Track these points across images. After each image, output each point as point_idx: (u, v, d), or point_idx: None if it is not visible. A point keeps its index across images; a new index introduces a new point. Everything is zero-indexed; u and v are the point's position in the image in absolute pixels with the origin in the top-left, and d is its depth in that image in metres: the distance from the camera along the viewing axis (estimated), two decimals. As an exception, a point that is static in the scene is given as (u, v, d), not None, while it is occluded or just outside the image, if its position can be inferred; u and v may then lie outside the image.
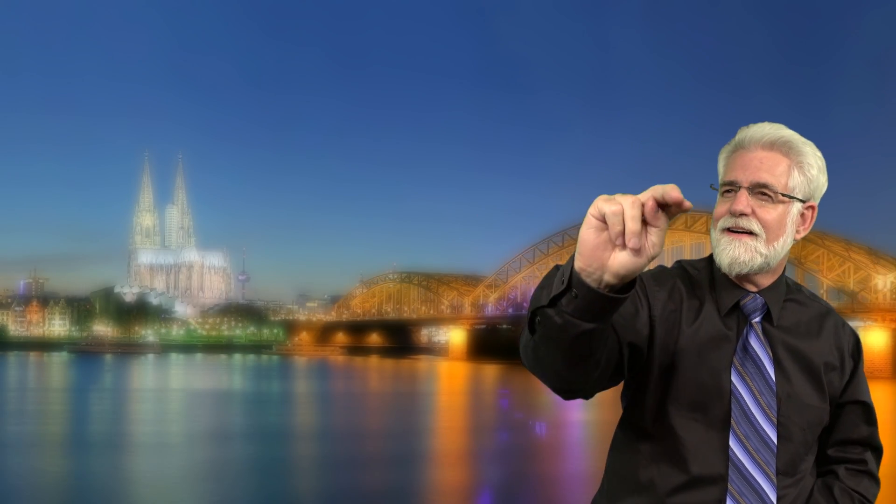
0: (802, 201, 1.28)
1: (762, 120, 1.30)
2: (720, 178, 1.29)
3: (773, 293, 1.30)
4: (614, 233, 0.90)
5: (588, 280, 0.94)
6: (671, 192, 0.92)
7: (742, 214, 1.23)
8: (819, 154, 1.30)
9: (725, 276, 1.29)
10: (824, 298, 1.38)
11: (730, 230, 1.25)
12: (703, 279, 1.31)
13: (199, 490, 13.18)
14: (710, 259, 1.33)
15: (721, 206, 1.27)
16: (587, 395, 1.19)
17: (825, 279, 67.44)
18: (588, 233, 0.92)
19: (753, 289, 1.29)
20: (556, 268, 1.02)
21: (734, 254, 1.24)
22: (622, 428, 1.35)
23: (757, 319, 1.28)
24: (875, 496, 1.36)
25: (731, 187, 1.25)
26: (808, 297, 1.37)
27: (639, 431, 1.30)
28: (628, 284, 0.96)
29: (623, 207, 0.90)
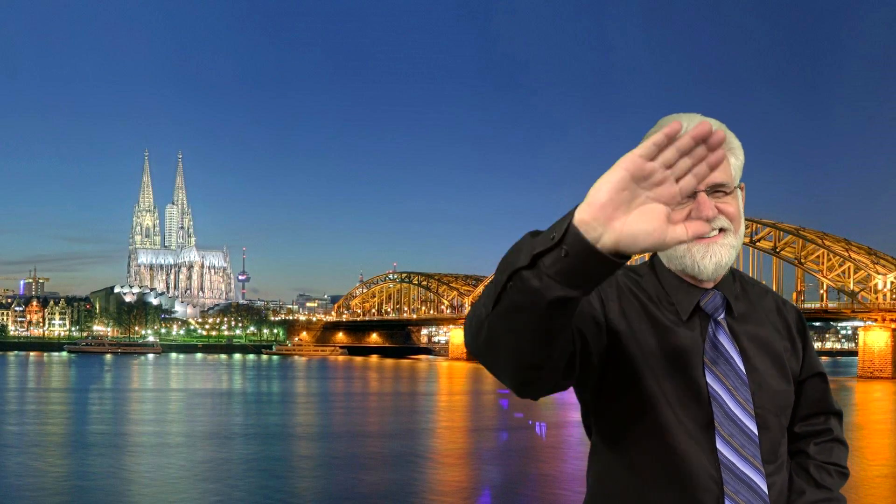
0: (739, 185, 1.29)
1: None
2: None
3: (727, 285, 1.29)
4: (670, 194, 0.81)
5: (587, 237, 0.81)
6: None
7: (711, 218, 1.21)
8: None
9: (675, 278, 1.27)
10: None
11: (698, 237, 1.24)
12: (650, 284, 1.29)
13: (199, 490, 13.17)
14: (652, 263, 1.32)
15: (677, 214, 1.23)
16: (540, 389, 1.08)
17: (825, 279, 67.37)
18: (609, 185, 0.79)
19: (710, 285, 1.27)
20: (532, 234, 0.90)
21: (718, 258, 1.22)
22: (599, 447, 1.31)
23: (721, 316, 1.27)
24: (846, 459, 1.38)
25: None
26: (749, 282, 1.37)
27: (619, 449, 1.26)
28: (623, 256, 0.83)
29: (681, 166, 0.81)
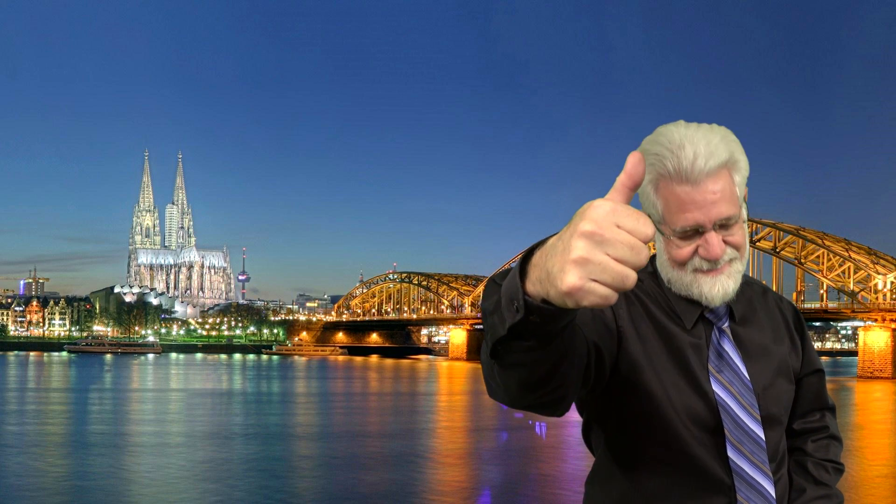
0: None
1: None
2: (661, 211, 1.19)
3: None
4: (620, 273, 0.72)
5: (541, 302, 0.80)
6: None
7: (720, 257, 1.20)
8: (737, 139, 1.22)
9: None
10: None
11: (706, 271, 1.21)
12: (652, 289, 1.28)
13: (199, 490, 13.16)
14: (654, 269, 1.29)
15: (684, 249, 1.20)
16: (567, 402, 1.08)
17: (825, 279, 67.38)
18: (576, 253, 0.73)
19: None
20: (494, 282, 0.92)
21: (724, 289, 1.21)
22: (604, 460, 1.30)
23: (726, 324, 1.27)
24: (841, 454, 1.41)
25: (695, 230, 1.19)
26: (747, 281, 1.35)
27: (627, 462, 1.25)
28: None
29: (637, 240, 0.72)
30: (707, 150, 1.15)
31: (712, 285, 1.21)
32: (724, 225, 1.18)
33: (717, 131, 1.18)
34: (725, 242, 1.19)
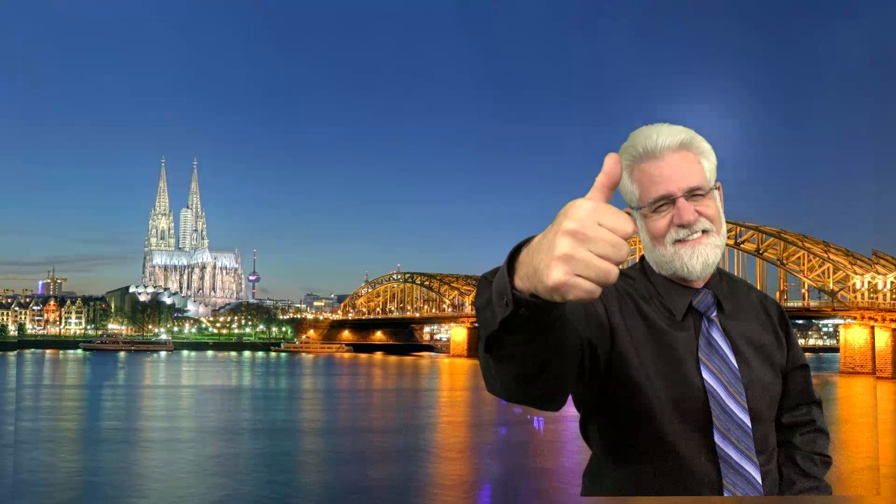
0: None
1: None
2: (638, 193, 1.28)
3: (715, 284, 1.34)
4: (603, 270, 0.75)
5: (529, 296, 0.84)
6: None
7: (692, 222, 1.27)
8: (705, 140, 1.34)
9: (666, 280, 1.32)
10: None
11: (683, 241, 1.27)
12: (642, 286, 1.33)
13: (207, 484, 13.38)
14: (643, 266, 1.36)
15: (659, 221, 1.27)
16: (563, 398, 1.12)
17: (806, 279, 67.43)
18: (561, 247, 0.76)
19: (699, 285, 1.33)
20: (485, 279, 0.96)
21: (704, 258, 1.27)
22: (599, 453, 1.34)
23: (714, 314, 1.32)
24: (828, 447, 1.46)
25: (666, 201, 1.26)
26: (733, 280, 1.42)
27: (620, 454, 1.30)
28: None
29: (618, 237, 0.76)
30: (669, 131, 1.29)
31: (691, 255, 1.27)
32: (694, 195, 1.27)
33: (683, 128, 1.32)
34: (698, 213, 1.27)
